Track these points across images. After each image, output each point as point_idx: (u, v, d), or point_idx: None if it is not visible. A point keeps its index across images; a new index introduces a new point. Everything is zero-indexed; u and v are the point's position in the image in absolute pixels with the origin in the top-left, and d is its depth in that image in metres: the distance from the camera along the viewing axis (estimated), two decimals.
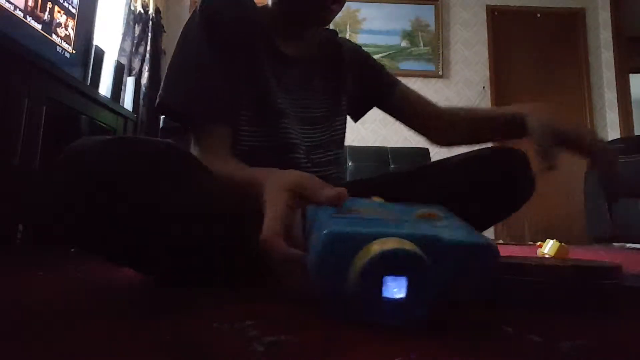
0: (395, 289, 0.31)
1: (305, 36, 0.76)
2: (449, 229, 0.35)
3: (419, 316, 0.30)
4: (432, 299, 0.31)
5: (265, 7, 0.74)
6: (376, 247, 0.30)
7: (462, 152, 0.77)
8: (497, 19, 3.47)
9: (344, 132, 0.83)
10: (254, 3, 0.72)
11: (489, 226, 0.77)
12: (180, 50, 0.68)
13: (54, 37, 1.50)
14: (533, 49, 3.43)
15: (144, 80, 2.69)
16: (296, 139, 0.71)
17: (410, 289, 0.31)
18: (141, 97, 2.53)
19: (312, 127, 0.75)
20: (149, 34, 2.83)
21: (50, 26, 1.48)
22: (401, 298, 0.31)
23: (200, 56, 0.66)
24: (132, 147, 0.48)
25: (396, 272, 0.30)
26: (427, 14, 3.43)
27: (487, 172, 0.71)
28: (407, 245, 0.30)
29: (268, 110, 0.69)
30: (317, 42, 0.79)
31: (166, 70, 0.67)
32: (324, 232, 0.32)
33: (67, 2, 1.57)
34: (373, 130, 3.24)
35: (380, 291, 0.30)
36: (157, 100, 0.65)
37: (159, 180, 0.48)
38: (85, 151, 0.46)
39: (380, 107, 0.88)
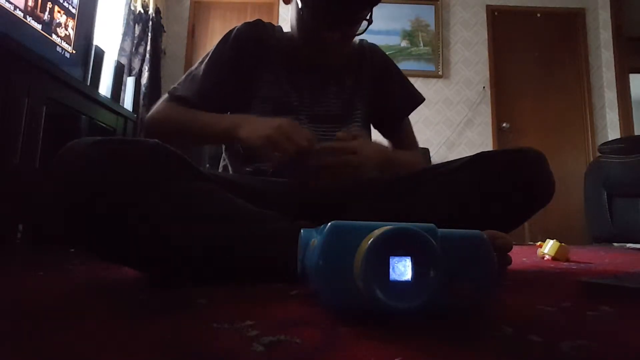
0: (402, 269, 0.31)
1: (325, 50, 0.83)
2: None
3: (424, 301, 0.30)
4: (437, 283, 0.30)
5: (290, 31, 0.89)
6: (379, 230, 0.31)
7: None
8: (497, 19, 3.47)
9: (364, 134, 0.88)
10: (280, 28, 0.93)
11: (506, 231, 0.69)
12: (207, 60, 0.85)
13: (54, 37, 1.50)
14: (533, 49, 3.43)
15: (144, 80, 2.69)
16: None
17: (415, 270, 0.31)
18: (141, 97, 2.53)
19: (324, 125, 0.84)
20: (149, 34, 2.83)
21: (50, 26, 1.48)
22: (407, 280, 0.31)
23: (216, 67, 0.84)
24: (118, 148, 0.49)
25: (401, 253, 0.31)
26: (427, 14, 3.43)
27: (500, 174, 0.68)
28: (410, 227, 0.31)
29: (282, 108, 0.82)
30: (342, 53, 0.89)
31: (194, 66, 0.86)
32: (329, 224, 0.34)
33: (67, 2, 1.57)
34: (373, 130, 3.24)
35: (387, 273, 0.31)
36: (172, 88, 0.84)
37: (147, 181, 0.49)
38: (72, 154, 0.47)
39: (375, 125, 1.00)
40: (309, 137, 0.68)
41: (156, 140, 0.54)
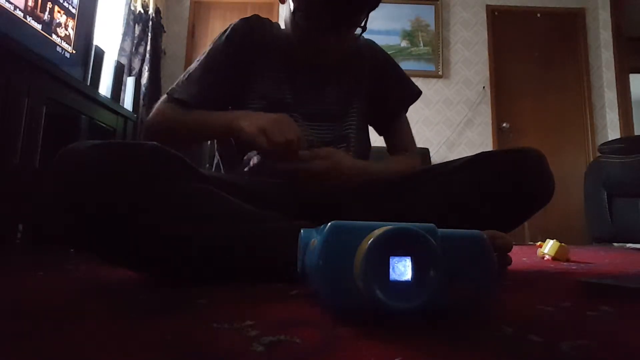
0: (402, 269, 0.31)
1: (323, 50, 0.82)
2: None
3: (424, 301, 0.30)
4: (437, 283, 0.30)
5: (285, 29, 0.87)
6: (379, 230, 0.31)
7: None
8: (497, 19, 3.47)
9: (358, 135, 0.89)
10: (278, 25, 0.91)
11: (506, 231, 0.69)
12: (204, 59, 0.84)
13: (54, 37, 1.50)
14: (533, 49, 3.43)
15: (144, 80, 2.69)
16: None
17: (415, 270, 0.31)
18: (141, 97, 2.53)
19: (319, 123, 0.84)
20: (149, 34, 2.83)
21: (50, 26, 1.48)
22: (407, 280, 0.31)
23: (213, 65, 0.83)
24: (118, 149, 0.49)
25: (401, 253, 0.31)
26: (427, 14, 3.43)
27: (500, 174, 0.68)
28: (410, 227, 0.31)
29: (276, 105, 0.81)
30: (342, 51, 0.87)
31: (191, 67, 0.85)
32: (329, 224, 0.34)
33: (67, 2, 1.57)
34: (372, 130, 3.24)
35: (387, 273, 0.30)
36: (170, 90, 0.83)
37: (147, 182, 0.49)
38: (72, 154, 0.48)
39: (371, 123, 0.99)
40: (296, 135, 0.67)
41: (155, 142, 0.54)
